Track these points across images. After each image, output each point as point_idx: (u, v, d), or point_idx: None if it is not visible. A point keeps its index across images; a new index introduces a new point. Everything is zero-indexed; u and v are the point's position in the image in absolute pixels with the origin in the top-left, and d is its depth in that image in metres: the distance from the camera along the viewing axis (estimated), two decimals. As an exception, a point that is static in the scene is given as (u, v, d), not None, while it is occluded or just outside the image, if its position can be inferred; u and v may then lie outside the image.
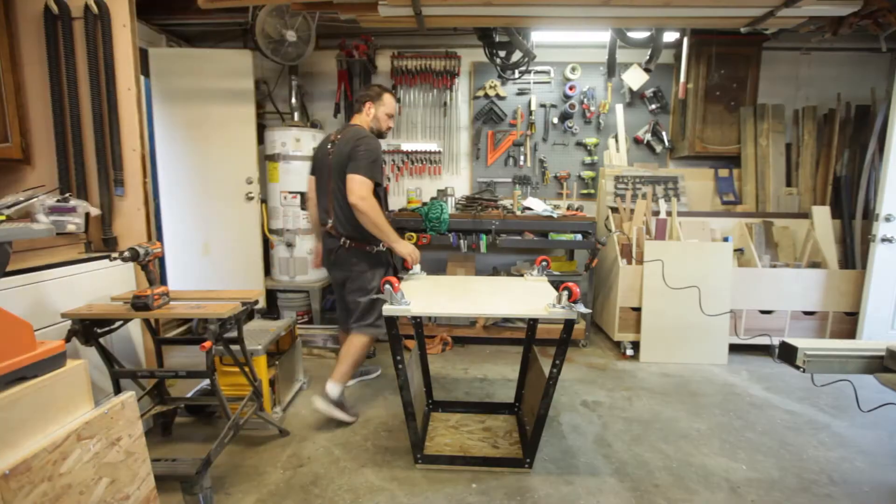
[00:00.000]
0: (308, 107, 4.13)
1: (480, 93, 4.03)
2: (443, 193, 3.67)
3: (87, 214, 2.09)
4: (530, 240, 3.38)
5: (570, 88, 3.96)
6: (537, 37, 3.60)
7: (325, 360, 3.26)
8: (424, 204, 3.52)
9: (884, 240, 3.06)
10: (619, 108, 3.95)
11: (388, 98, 2.42)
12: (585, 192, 4.15)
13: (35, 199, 1.88)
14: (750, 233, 3.51)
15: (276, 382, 2.37)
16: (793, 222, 3.55)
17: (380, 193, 2.30)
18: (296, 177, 3.64)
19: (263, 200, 3.78)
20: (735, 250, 3.40)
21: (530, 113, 4.01)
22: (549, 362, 1.81)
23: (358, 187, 2.13)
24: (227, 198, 3.63)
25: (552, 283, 2.16)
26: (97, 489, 1.18)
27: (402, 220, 3.40)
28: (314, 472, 1.96)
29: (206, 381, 2.17)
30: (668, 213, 3.55)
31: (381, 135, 2.44)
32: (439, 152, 4.10)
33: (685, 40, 3.48)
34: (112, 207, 2.21)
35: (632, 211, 3.59)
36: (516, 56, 3.53)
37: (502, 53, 3.56)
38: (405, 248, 2.33)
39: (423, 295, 1.94)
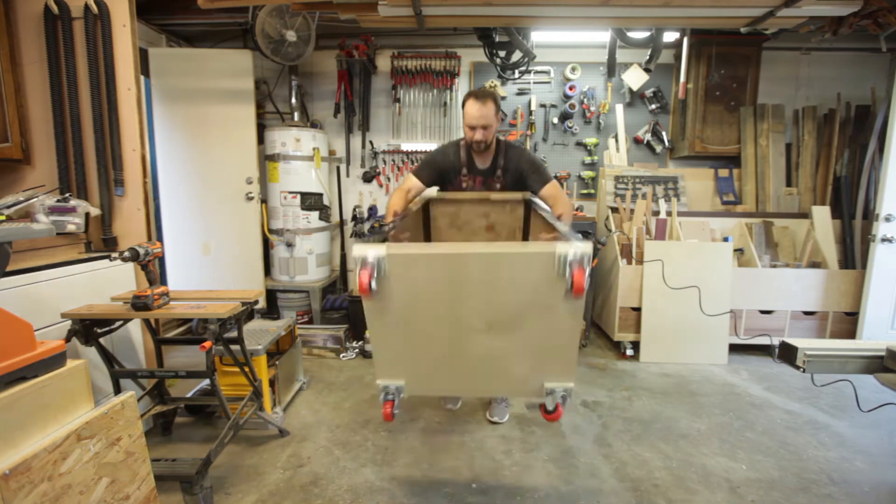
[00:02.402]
0: (308, 107, 4.13)
1: (480, 93, 4.03)
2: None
3: (87, 214, 2.09)
4: (530, 240, 3.38)
5: (570, 88, 3.96)
6: (537, 37, 3.60)
7: (325, 359, 3.26)
8: None
9: (884, 240, 3.05)
10: (619, 108, 3.95)
11: (466, 106, 2.16)
12: (585, 192, 4.15)
13: (35, 199, 1.89)
14: (750, 233, 3.51)
15: (276, 382, 2.37)
16: (793, 222, 3.55)
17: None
18: (296, 177, 3.64)
19: (263, 200, 3.78)
20: (735, 250, 3.40)
21: (530, 113, 4.01)
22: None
23: None
24: (227, 198, 3.63)
25: None
26: (97, 489, 1.18)
27: (402, 220, 3.39)
28: (314, 472, 1.96)
29: (206, 381, 2.17)
30: (668, 213, 3.55)
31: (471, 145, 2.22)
32: (439, 152, 4.10)
33: (685, 40, 3.48)
34: (112, 207, 2.21)
35: (632, 211, 3.59)
36: (516, 56, 3.54)
37: (502, 53, 3.56)
38: None
39: None
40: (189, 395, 2.41)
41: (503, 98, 4.03)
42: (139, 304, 1.76)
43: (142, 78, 2.30)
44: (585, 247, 1.19)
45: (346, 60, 3.79)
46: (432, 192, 2.31)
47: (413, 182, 2.19)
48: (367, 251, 1.21)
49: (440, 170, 2.27)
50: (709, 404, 2.61)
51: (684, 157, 3.94)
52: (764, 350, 3.37)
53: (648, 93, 3.95)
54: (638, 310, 3.26)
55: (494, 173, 2.27)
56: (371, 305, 1.29)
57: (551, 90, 4.02)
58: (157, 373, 1.98)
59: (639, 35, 3.25)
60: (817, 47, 3.74)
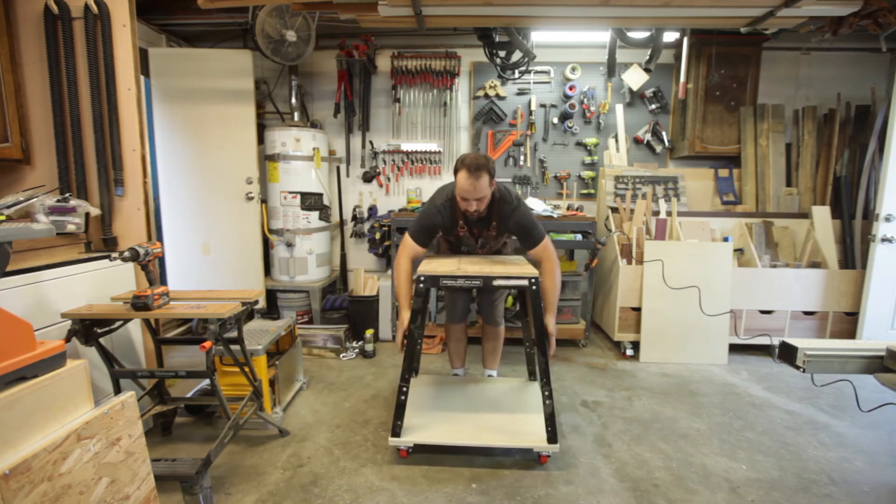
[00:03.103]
0: (308, 107, 4.13)
1: (480, 93, 4.03)
2: (443, 193, 3.67)
3: (87, 214, 2.09)
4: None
5: (570, 88, 3.96)
6: (537, 37, 3.60)
7: (324, 359, 3.26)
8: (424, 204, 3.51)
9: (884, 240, 3.06)
10: (619, 108, 3.95)
11: (458, 178, 2.05)
12: (585, 192, 4.15)
13: (35, 199, 1.89)
14: (750, 233, 3.51)
15: (276, 382, 2.37)
16: (793, 222, 3.55)
17: (450, 241, 2.43)
18: (296, 177, 3.64)
19: (263, 200, 3.78)
20: (735, 250, 3.40)
21: (530, 113, 4.01)
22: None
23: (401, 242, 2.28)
24: (227, 198, 3.63)
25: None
26: (97, 489, 1.18)
27: (402, 220, 3.40)
28: (314, 472, 1.96)
29: (206, 381, 2.18)
30: (668, 213, 3.55)
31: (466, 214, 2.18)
32: (439, 152, 4.10)
33: (685, 40, 3.48)
34: (112, 207, 2.21)
35: (632, 211, 3.59)
36: (516, 56, 3.54)
37: (502, 53, 3.56)
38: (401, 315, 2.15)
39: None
40: (189, 395, 2.41)
41: (503, 98, 4.03)
42: (139, 304, 1.76)
43: (142, 78, 2.30)
44: (555, 447, 1.97)
45: (346, 60, 3.79)
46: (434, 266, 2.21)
47: (417, 249, 2.23)
48: (400, 444, 2.00)
49: (437, 229, 2.30)
50: (709, 404, 2.61)
51: (684, 157, 3.94)
52: (764, 350, 3.37)
53: (648, 93, 3.95)
54: (638, 310, 3.26)
55: (490, 224, 2.28)
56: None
57: (551, 90, 4.02)
58: (157, 373, 1.98)
59: (639, 35, 3.25)
60: (817, 47, 3.74)
